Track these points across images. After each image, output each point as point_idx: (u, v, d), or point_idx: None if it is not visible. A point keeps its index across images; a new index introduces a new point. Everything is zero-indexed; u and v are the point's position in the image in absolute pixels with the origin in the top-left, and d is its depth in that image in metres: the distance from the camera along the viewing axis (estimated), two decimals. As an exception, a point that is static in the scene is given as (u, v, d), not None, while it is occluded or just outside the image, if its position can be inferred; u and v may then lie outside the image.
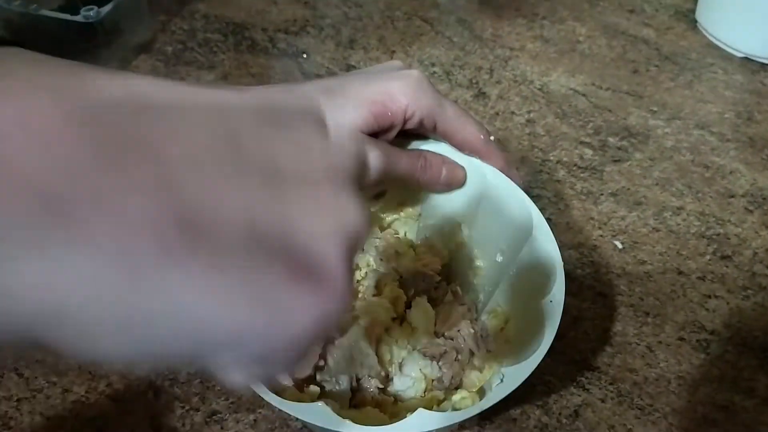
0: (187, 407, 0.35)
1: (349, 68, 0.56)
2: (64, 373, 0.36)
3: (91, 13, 0.50)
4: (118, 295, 0.12)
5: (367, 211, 0.17)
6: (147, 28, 0.57)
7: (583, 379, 0.37)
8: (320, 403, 0.27)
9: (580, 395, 0.36)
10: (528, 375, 0.28)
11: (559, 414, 0.36)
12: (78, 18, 0.50)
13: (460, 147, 0.34)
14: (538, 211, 0.33)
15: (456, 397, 0.32)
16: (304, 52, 0.57)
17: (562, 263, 0.31)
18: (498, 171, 0.34)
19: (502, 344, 0.34)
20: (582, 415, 0.36)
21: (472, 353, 0.34)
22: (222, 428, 0.34)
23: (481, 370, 0.33)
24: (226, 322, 0.13)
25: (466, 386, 0.33)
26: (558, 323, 0.29)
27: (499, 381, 0.28)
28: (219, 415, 0.35)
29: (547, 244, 0.32)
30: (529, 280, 0.33)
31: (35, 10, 0.50)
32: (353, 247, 0.16)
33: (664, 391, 0.37)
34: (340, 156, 0.19)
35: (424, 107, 0.31)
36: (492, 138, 0.34)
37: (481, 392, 0.31)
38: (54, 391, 0.36)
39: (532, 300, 0.32)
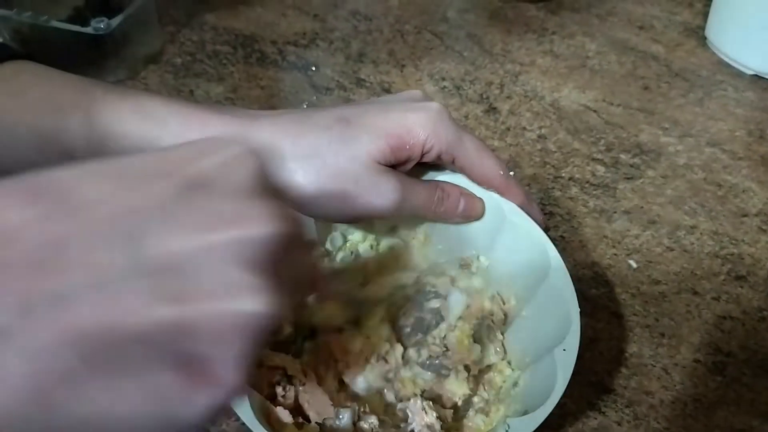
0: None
1: (359, 82, 0.56)
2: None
3: (101, 24, 0.49)
4: (28, 417, 0.14)
5: (278, 295, 0.16)
6: (156, 40, 0.57)
7: (599, 401, 0.37)
8: None
9: (596, 418, 0.36)
10: (534, 428, 0.27)
11: (576, 437, 0.35)
12: (88, 30, 0.50)
13: (479, 181, 0.33)
14: (557, 253, 0.32)
15: None
16: (313, 65, 0.57)
17: (578, 310, 0.30)
18: (517, 208, 0.33)
19: (511, 388, 0.33)
20: (598, 439, 0.35)
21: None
22: None
23: (486, 414, 0.33)
24: (130, 423, 0.15)
25: (470, 430, 0.33)
26: (570, 374, 0.28)
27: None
28: None
29: (563, 288, 0.31)
30: (543, 324, 0.32)
31: (45, 22, 0.50)
32: (256, 338, 0.16)
33: (681, 414, 0.36)
34: (250, 224, 0.17)
35: (443, 142, 0.31)
36: (511, 173, 0.33)
37: None
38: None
39: (544, 345, 0.31)
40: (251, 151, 0.18)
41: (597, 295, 0.41)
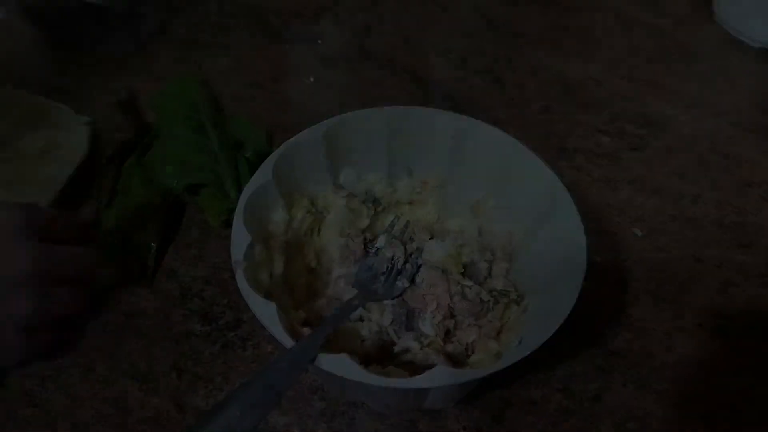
0: (210, 386, 0.35)
1: (365, 54, 0.56)
2: (85, 353, 0.37)
3: (108, -5, 0.50)
4: None
5: None
6: (161, 12, 0.57)
7: (603, 363, 0.37)
8: (344, 355, 0.27)
9: (600, 379, 0.37)
10: (545, 340, 0.27)
11: (580, 398, 0.36)
12: (94, 1, 0.50)
13: None
14: (564, 189, 0.33)
15: (473, 359, 0.33)
16: (319, 38, 0.57)
17: (585, 237, 0.31)
18: (526, 147, 0.35)
19: (520, 315, 0.34)
20: (602, 399, 0.36)
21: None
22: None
23: (499, 340, 0.34)
24: None
25: (483, 352, 0.34)
26: (577, 295, 0.29)
27: (517, 344, 0.28)
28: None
29: (569, 221, 0.32)
30: (550, 255, 0.33)
31: (51, -8, 0.50)
32: None
33: (683, 375, 0.37)
34: None
35: None
36: None
37: (498, 356, 0.32)
38: (76, 370, 0.36)
39: (552, 274, 0.32)
40: None
41: (602, 262, 0.42)
